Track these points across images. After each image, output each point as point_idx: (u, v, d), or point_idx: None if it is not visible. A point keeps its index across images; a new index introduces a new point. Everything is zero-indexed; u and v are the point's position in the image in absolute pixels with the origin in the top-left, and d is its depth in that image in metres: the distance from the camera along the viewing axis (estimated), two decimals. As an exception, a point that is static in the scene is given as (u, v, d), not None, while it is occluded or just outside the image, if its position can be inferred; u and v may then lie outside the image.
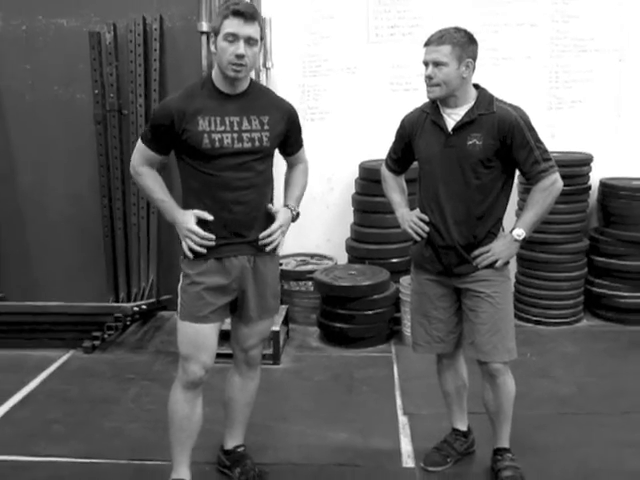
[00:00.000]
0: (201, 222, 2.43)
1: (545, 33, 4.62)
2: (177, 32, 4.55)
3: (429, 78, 2.50)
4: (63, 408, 3.46)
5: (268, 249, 2.48)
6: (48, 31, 4.61)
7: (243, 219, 2.45)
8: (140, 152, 2.48)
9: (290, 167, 2.70)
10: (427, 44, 2.50)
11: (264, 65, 4.44)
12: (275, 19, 4.52)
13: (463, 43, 2.46)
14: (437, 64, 2.46)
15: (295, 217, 2.58)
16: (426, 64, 2.50)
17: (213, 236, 2.41)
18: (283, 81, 4.68)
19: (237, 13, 2.27)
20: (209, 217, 2.40)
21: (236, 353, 2.71)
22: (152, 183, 2.48)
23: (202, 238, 2.40)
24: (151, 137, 2.43)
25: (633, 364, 3.91)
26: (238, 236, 2.46)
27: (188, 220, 2.41)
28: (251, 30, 2.29)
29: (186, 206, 2.47)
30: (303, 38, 4.71)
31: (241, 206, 2.42)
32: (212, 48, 2.37)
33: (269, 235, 2.47)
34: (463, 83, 2.50)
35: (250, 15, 2.28)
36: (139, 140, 2.49)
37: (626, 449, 2.98)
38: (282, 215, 2.52)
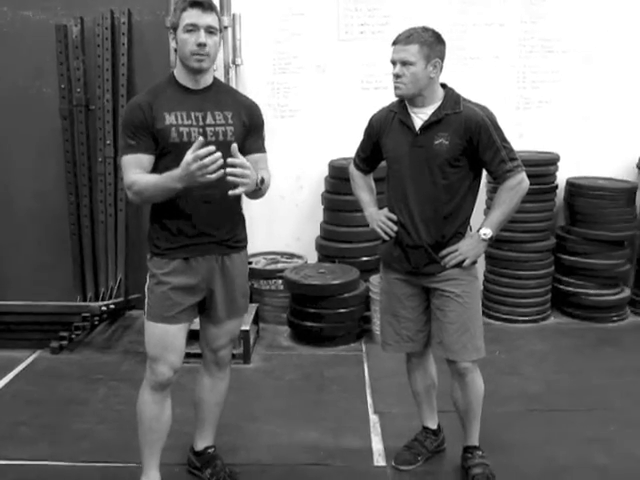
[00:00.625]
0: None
1: (513, 33, 4.66)
2: (145, 26, 4.49)
3: (396, 77, 2.50)
4: (30, 410, 3.40)
5: (230, 179, 2.17)
6: (14, 23, 4.51)
7: (211, 218, 2.43)
8: (126, 166, 2.35)
9: None
10: (395, 43, 2.51)
11: (233, 62, 4.40)
12: (245, 15, 4.48)
13: (431, 43, 2.47)
14: (405, 63, 2.47)
15: (260, 182, 2.33)
16: (394, 63, 2.51)
17: (212, 147, 2.12)
18: (252, 78, 4.65)
19: (195, 4, 2.30)
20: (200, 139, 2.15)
21: (205, 353, 2.69)
22: (145, 178, 2.33)
23: (203, 157, 2.11)
24: (131, 139, 2.34)
25: (600, 361, 3.97)
26: (206, 235, 2.44)
27: (184, 163, 2.15)
28: (209, 19, 2.31)
29: (155, 206, 2.45)
30: (273, 35, 4.67)
31: (210, 205, 2.40)
32: (173, 44, 2.38)
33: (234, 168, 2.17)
34: (430, 83, 2.51)
35: (208, 4, 2.32)
36: (121, 161, 2.38)
37: (594, 445, 3.03)
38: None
